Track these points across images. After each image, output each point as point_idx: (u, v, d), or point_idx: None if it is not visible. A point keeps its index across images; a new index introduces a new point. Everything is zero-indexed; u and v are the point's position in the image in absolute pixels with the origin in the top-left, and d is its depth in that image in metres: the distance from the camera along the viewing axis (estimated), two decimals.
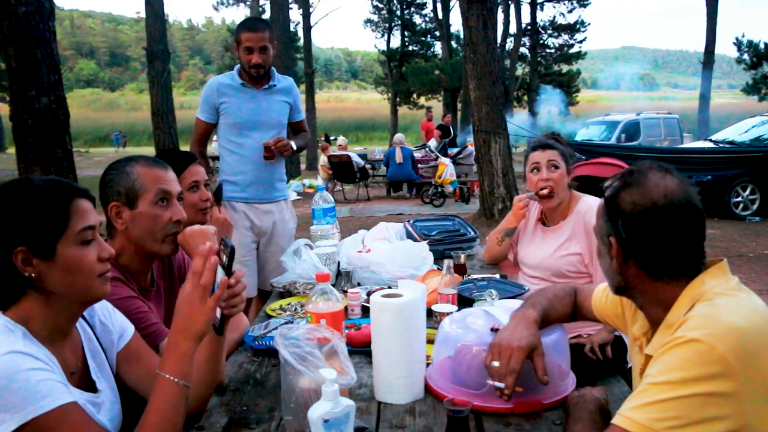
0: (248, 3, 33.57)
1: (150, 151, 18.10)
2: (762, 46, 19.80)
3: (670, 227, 1.19)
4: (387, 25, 31.68)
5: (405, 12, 31.60)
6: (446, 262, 2.04)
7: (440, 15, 27.21)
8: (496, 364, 1.34)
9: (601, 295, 1.54)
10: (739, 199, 8.77)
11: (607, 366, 2.13)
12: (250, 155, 3.09)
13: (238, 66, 3.16)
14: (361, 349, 1.73)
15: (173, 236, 1.66)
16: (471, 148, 11.02)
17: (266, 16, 23.92)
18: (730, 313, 1.10)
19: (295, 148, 3.15)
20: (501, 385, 1.34)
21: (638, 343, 1.34)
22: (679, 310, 1.20)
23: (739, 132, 10.05)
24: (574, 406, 1.30)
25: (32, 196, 1.16)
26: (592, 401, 1.30)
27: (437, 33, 29.40)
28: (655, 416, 1.04)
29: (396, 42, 31.67)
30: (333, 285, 1.88)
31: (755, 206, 8.80)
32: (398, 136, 12.54)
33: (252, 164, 3.09)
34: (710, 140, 10.64)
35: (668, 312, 1.22)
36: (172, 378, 1.20)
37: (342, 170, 12.07)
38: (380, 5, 31.60)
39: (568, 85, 29.36)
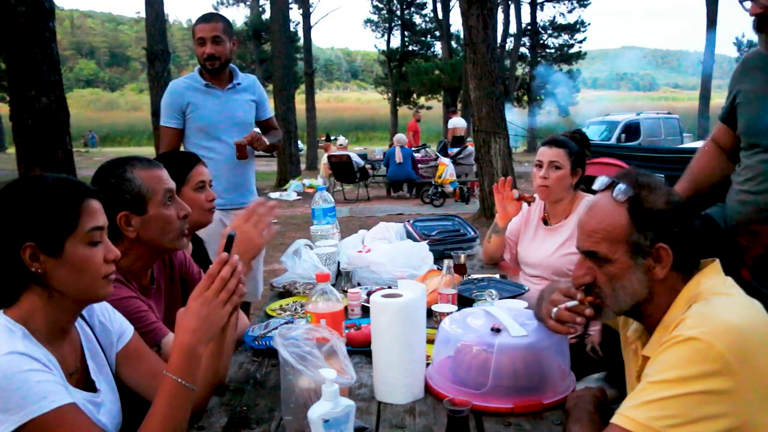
0: (248, 3, 33.62)
1: (150, 151, 18.11)
2: None
3: (690, 220, 1.21)
4: (387, 25, 31.70)
5: (405, 12, 31.62)
6: (446, 262, 2.04)
7: (440, 15, 27.21)
8: (561, 303, 1.33)
9: None
10: None
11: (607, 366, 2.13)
12: (223, 159, 2.96)
13: (198, 67, 3.07)
14: (361, 349, 1.73)
15: (182, 231, 1.67)
16: (471, 148, 11.02)
17: (266, 16, 23.91)
18: (727, 311, 1.11)
19: (268, 143, 3.08)
20: (574, 302, 1.30)
21: (633, 346, 1.34)
22: (676, 310, 1.20)
23: None
24: (573, 407, 1.29)
25: (45, 193, 1.17)
26: (591, 400, 1.30)
27: (437, 33, 29.41)
28: (655, 414, 1.04)
29: (396, 42, 31.74)
30: (333, 285, 1.88)
31: None
32: (398, 136, 12.55)
33: (225, 169, 2.95)
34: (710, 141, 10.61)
35: (666, 313, 1.22)
36: (179, 380, 1.19)
37: (342, 170, 12.07)
38: (380, 5, 31.62)
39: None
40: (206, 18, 3.04)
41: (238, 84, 3.09)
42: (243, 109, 3.09)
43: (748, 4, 1.74)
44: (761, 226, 1.80)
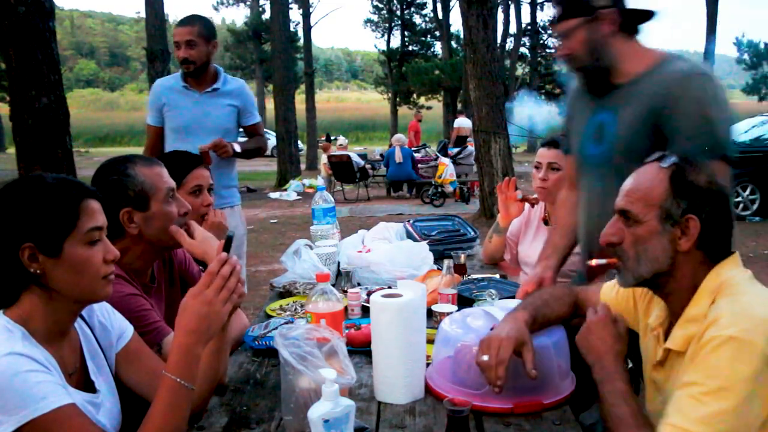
0: (248, 3, 33.61)
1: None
2: (762, 46, 19.80)
3: (727, 209, 1.23)
4: (387, 25, 31.68)
5: (405, 12, 31.59)
6: (446, 262, 2.04)
7: (440, 15, 27.19)
8: (485, 357, 1.34)
9: (610, 291, 1.53)
10: (739, 199, 8.77)
11: None
12: None
13: None
14: (361, 349, 1.73)
15: (183, 227, 1.68)
16: (471, 148, 11.03)
17: (266, 16, 23.89)
18: (758, 306, 1.12)
19: (238, 150, 2.97)
20: (603, 261, 1.34)
21: (655, 333, 1.34)
22: (700, 302, 1.21)
23: (739, 132, 10.03)
24: (597, 361, 1.32)
25: (43, 194, 1.17)
26: (616, 358, 1.31)
27: (437, 33, 29.39)
28: (723, 428, 1.05)
29: (396, 42, 31.70)
30: (333, 285, 1.88)
31: (755, 206, 8.80)
32: (397, 136, 12.55)
33: None
34: None
35: (689, 304, 1.22)
36: (179, 380, 1.19)
37: (342, 170, 12.07)
38: (380, 5, 31.60)
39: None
40: (183, 21, 3.02)
41: (218, 88, 3.04)
42: (220, 113, 3.03)
43: (558, 45, 1.83)
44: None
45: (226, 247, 1.29)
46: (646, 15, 1.82)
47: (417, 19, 32.00)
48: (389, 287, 2.20)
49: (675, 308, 1.26)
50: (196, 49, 2.96)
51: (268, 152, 23.12)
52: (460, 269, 2.45)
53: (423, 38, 31.96)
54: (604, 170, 1.80)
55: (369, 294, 2.05)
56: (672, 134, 1.63)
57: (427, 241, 2.68)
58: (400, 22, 31.48)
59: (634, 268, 1.27)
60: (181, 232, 1.68)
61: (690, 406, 1.09)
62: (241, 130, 3.19)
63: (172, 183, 1.66)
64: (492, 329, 1.47)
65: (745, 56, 24.04)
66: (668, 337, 1.27)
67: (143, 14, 13.61)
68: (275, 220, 9.75)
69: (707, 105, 1.61)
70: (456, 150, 12.40)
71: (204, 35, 2.99)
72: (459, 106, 21.89)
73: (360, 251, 2.54)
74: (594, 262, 1.33)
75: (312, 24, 21.81)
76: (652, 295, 1.37)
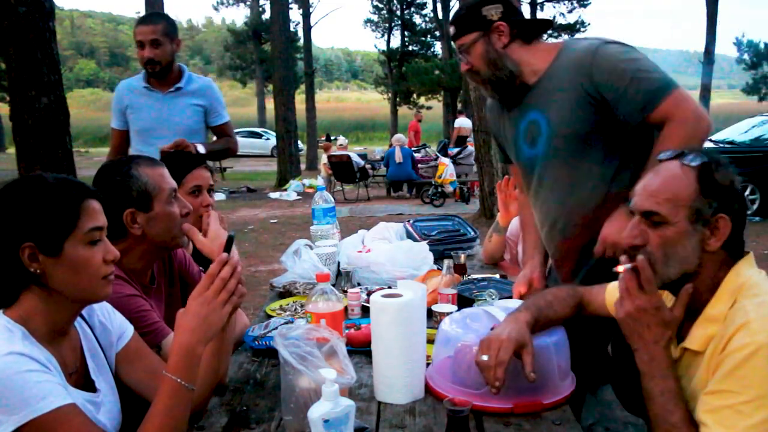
0: (248, 3, 33.62)
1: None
2: (762, 46, 19.79)
3: (745, 205, 1.24)
4: (387, 25, 31.69)
5: (405, 12, 31.60)
6: (446, 262, 2.04)
7: (440, 15, 27.19)
8: (485, 357, 1.34)
9: (615, 290, 1.53)
10: None
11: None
12: None
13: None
14: (361, 349, 1.73)
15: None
16: (471, 148, 11.03)
17: (266, 16, 23.88)
18: None
19: (202, 151, 2.76)
20: (627, 266, 1.26)
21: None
22: (720, 302, 1.20)
23: (739, 132, 10.04)
24: (645, 351, 1.24)
25: (44, 193, 1.17)
26: (663, 339, 1.23)
27: (437, 33, 29.39)
28: None
29: (396, 42, 31.72)
30: (333, 285, 1.88)
31: (755, 206, 8.80)
32: (398, 136, 12.56)
33: None
34: (710, 140, 10.63)
35: (708, 303, 1.21)
36: (178, 380, 1.19)
37: (342, 170, 12.07)
38: (380, 5, 31.61)
39: None
40: (146, 20, 2.92)
41: (181, 88, 2.94)
42: (183, 113, 2.94)
43: (460, 60, 1.88)
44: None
45: (227, 248, 1.30)
46: (543, 24, 1.91)
47: (417, 19, 32.03)
48: (389, 287, 2.20)
49: (692, 307, 1.25)
50: (161, 49, 2.87)
51: (268, 152, 23.13)
52: (460, 269, 2.45)
53: (423, 38, 31.96)
54: (548, 165, 1.84)
55: (369, 294, 2.05)
56: (616, 101, 1.67)
57: (427, 241, 2.68)
58: (400, 22, 31.48)
59: (662, 270, 1.22)
60: (194, 230, 1.70)
61: (732, 417, 1.08)
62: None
63: (175, 184, 1.67)
64: (492, 329, 1.47)
65: (745, 56, 24.02)
66: (683, 336, 1.26)
67: (143, 14, 13.62)
68: (275, 220, 9.76)
69: (626, 60, 1.66)
70: (456, 150, 12.40)
71: (168, 34, 2.89)
72: (459, 106, 21.86)
73: (360, 251, 2.54)
74: (621, 267, 1.26)
75: (312, 24, 21.85)
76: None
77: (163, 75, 2.92)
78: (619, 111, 1.68)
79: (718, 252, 1.21)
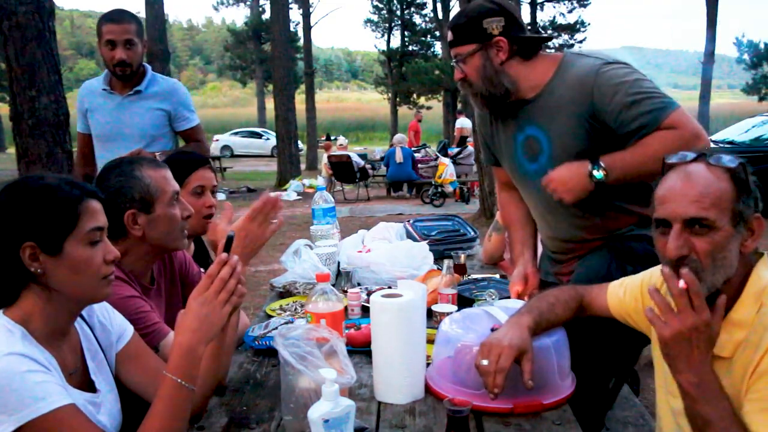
0: (248, 3, 33.63)
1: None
2: (762, 46, 19.78)
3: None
4: (387, 25, 31.68)
5: (405, 12, 31.58)
6: (446, 262, 2.04)
7: (440, 15, 27.19)
8: (485, 362, 1.33)
9: (617, 291, 1.52)
10: None
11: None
12: None
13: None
14: (361, 349, 1.73)
15: (184, 231, 1.68)
16: (471, 148, 11.04)
17: (266, 16, 23.86)
18: None
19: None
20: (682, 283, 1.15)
21: None
22: (744, 307, 1.18)
23: (739, 132, 10.04)
24: (693, 373, 1.14)
25: (45, 193, 1.17)
26: (708, 358, 1.14)
27: (437, 33, 29.38)
28: None
29: (396, 42, 31.69)
30: (333, 285, 1.88)
31: None
32: (398, 136, 12.57)
33: None
34: (710, 140, 10.62)
35: (733, 308, 1.18)
36: (179, 380, 1.19)
37: (342, 170, 12.08)
38: (380, 5, 31.59)
39: None
40: (116, 18, 2.67)
41: (141, 90, 2.73)
42: (143, 117, 2.74)
43: (454, 68, 1.84)
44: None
45: (226, 248, 1.30)
46: (543, 40, 1.86)
47: (417, 19, 31.99)
48: (389, 287, 2.20)
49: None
50: (134, 50, 2.67)
51: (268, 152, 23.06)
52: (460, 269, 2.45)
53: (423, 38, 31.93)
54: None
55: (369, 294, 2.05)
56: (619, 124, 1.66)
57: (427, 241, 2.68)
58: (400, 22, 31.47)
59: (710, 279, 1.15)
60: (215, 223, 1.73)
61: None
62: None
63: (177, 186, 1.66)
64: (493, 329, 1.47)
65: (745, 56, 23.99)
66: None
67: (143, 14, 13.59)
68: (275, 220, 9.74)
69: (627, 82, 1.65)
70: (456, 150, 12.40)
71: (140, 34, 2.71)
72: (459, 106, 21.88)
73: (360, 251, 2.54)
74: (682, 283, 1.12)
75: (312, 24, 21.84)
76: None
77: (130, 78, 2.73)
78: (620, 131, 1.67)
79: (747, 254, 1.19)
